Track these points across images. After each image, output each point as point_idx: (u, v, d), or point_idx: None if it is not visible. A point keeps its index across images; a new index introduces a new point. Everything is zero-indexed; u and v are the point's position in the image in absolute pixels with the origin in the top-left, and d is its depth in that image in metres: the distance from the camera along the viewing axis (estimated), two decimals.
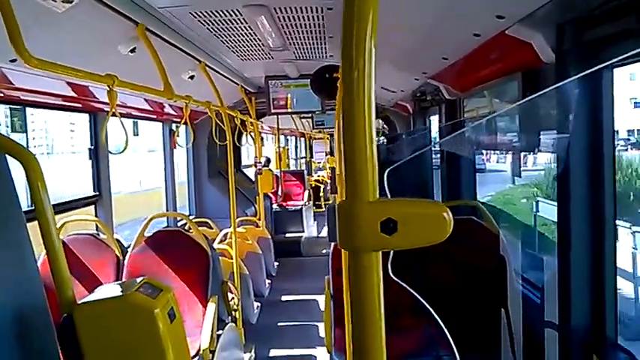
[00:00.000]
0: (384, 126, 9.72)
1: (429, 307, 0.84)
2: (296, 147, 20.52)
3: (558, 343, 2.65)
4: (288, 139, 19.04)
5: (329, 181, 10.56)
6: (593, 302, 2.51)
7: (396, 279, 0.83)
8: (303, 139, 19.59)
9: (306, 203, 11.11)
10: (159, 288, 2.01)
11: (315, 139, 17.95)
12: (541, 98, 2.65)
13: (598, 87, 2.42)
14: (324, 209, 12.90)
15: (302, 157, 19.73)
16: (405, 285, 0.85)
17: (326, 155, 16.92)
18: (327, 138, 16.51)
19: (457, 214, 4.10)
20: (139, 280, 2.05)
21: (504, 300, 3.25)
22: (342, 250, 0.85)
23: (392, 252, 0.86)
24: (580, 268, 2.51)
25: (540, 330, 2.86)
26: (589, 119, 2.45)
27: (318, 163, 18.40)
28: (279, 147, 11.38)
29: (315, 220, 11.76)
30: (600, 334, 2.50)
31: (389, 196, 0.81)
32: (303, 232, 10.31)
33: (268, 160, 10.39)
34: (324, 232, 9.78)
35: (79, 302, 1.90)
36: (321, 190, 13.77)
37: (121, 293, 1.94)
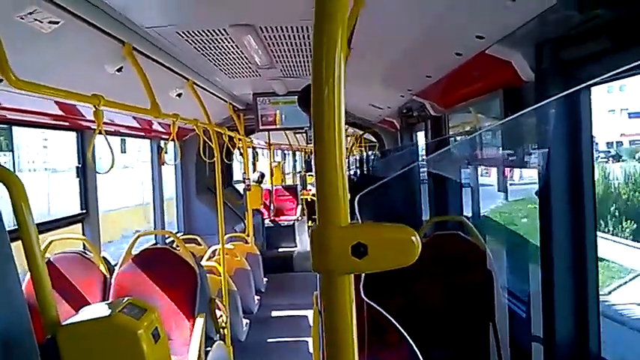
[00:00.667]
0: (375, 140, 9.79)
1: (401, 329, 0.86)
2: (294, 161, 20.59)
3: (543, 357, 2.66)
4: (285, 154, 19.06)
5: None
6: (576, 317, 2.54)
7: (369, 301, 0.85)
8: (299, 153, 19.65)
9: (299, 218, 11.10)
10: (143, 308, 2.01)
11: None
12: (523, 115, 2.70)
13: (577, 104, 2.47)
14: None
15: (298, 172, 19.80)
16: (378, 307, 0.87)
17: None
18: None
19: (444, 229, 4.15)
20: (123, 300, 2.05)
21: (492, 314, 3.27)
22: None
23: (363, 275, 0.88)
24: (563, 282, 2.54)
25: (527, 344, 2.88)
26: (568, 135, 2.50)
27: None
28: (272, 162, 11.35)
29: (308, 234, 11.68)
30: (584, 348, 2.52)
31: (359, 220, 0.83)
32: (296, 247, 10.29)
33: (262, 176, 10.33)
34: None
35: (64, 323, 1.89)
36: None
37: (104, 314, 1.94)
